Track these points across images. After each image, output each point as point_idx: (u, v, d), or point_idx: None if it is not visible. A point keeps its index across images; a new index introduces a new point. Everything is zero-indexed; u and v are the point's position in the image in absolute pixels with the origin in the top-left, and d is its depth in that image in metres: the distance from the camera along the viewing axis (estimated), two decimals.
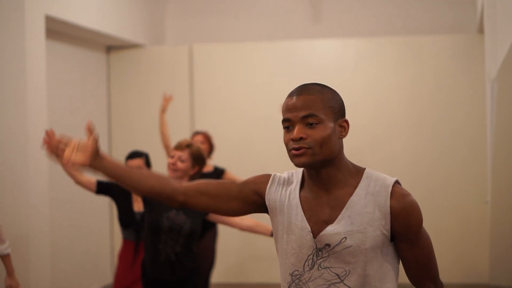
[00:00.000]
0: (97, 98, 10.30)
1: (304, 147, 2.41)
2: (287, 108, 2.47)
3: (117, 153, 10.51)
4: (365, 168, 2.51)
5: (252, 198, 2.60)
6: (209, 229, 7.26)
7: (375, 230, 2.41)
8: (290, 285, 2.52)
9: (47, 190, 7.80)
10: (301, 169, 2.61)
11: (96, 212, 9.91)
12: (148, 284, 5.08)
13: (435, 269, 2.61)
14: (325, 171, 2.46)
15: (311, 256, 2.48)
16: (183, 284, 5.03)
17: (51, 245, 8.12)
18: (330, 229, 2.43)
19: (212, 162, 7.72)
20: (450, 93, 9.74)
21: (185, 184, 2.63)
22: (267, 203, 2.59)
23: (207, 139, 7.42)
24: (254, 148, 10.05)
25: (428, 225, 9.72)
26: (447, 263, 9.59)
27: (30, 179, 7.47)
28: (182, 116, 10.35)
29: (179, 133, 10.36)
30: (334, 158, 2.47)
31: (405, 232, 2.44)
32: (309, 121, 2.41)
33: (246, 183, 2.63)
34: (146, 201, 5.04)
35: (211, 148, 7.46)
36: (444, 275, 9.54)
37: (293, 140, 2.43)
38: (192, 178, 5.06)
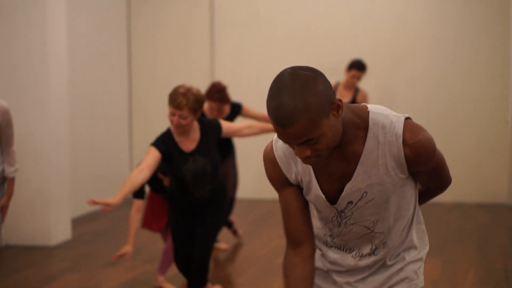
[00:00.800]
0: (116, 15, 10.21)
1: (313, 158, 2.27)
2: (279, 135, 2.22)
3: (137, 72, 10.48)
4: (368, 112, 2.36)
5: (299, 189, 2.51)
6: (228, 152, 7.27)
7: (393, 178, 2.38)
8: (328, 230, 2.58)
9: (67, 101, 7.82)
10: None
11: (115, 125, 9.94)
12: (174, 211, 5.19)
13: (446, 176, 2.58)
14: None
15: (335, 218, 2.49)
16: (210, 205, 5.15)
17: (71, 157, 8.18)
18: (348, 187, 2.40)
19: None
20: (473, 12, 9.57)
21: (300, 243, 2.50)
22: (295, 183, 2.51)
23: (223, 95, 6.98)
24: (276, 67, 9.98)
25: (448, 145, 9.72)
26: (465, 182, 9.59)
27: (49, 93, 7.48)
28: (202, 35, 10.27)
29: (199, 53, 10.30)
30: None
31: (422, 169, 2.40)
32: (308, 143, 2.22)
33: (283, 189, 2.50)
34: (164, 159, 4.99)
35: (227, 101, 7.09)
36: (463, 194, 9.57)
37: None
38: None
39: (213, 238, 5.16)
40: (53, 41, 7.51)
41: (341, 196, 2.42)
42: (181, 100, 4.87)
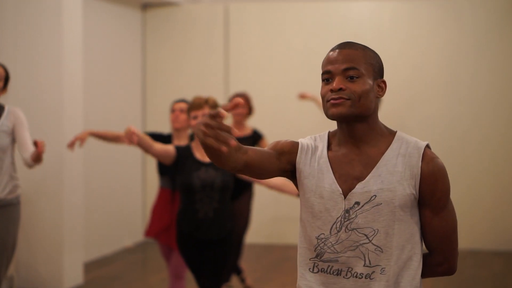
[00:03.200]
0: (132, 55, 10.29)
1: (343, 98, 2.42)
2: (329, 61, 2.48)
3: (151, 111, 10.52)
4: (396, 132, 2.53)
5: (286, 168, 2.57)
6: (245, 191, 7.25)
7: (405, 189, 2.42)
8: (316, 248, 2.52)
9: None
10: (325, 132, 2.60)
11: (129, 169, 9.95)
12: (183, 243, 5.15)
13: (452, 248, 2.54)
14: (359, 126, 2.47)
15: (339, 219, 2.47)
16: (218, 244, 5.08)
17: (84, 201, 8.17)
18: (360, 187, 2.44)
19: (251, 126, 7.64)
20: (489, 56, 9.58)
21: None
22: (297, 170, 2.56)
23: (247, 102, 7.35)
24: (289, 109, 10.00)
25: (463, 190, 9.63)
26: (481, 229, 9.51)
27: (64, 133, 7.51)
28: (217, 76, 10.32)
29: (214, 94, 10.33)
30: (369, 116, 2.48)
31: (430, 197, 2.44)
32: (350, 73, 2.43)
33: (280, 154, 2.56)
34: (176, 163, 5.08)
35: (250, 111, 7.39)
36: (479, 242, 9.49)
37: (332, 90, 2.44)
38: None
39: (220, 278, 5.13)
40: (68, 82, 7.56)
41: (350, 192, 2.45)
42: (201, 101, 5.11)
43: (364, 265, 2.45)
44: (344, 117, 2.44)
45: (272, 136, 9.94)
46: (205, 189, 5.01)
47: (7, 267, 5.29)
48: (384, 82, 2.55)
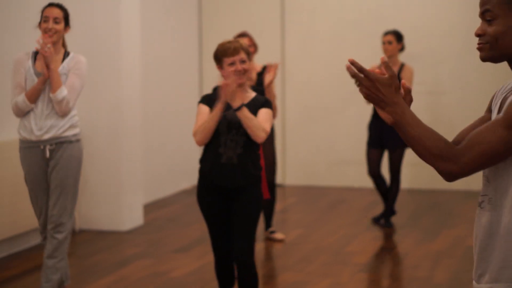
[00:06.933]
0: (188, 6, 10.29)
1: (482, 43, 2.43)
2: (479, 3, 2.48)
3: (207, 70, 10.56)
4: None
5: None
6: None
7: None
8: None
9: (139, 86, 7.93)
10: None
11: (186, 111, 10.04)
12: (205, 193, 4.89)
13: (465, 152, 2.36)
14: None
15: None
16: (243, 194, 4.80)
17: (143, 143, 8.28)
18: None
19: (259, 62, 7.52)
20: None
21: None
22: None
23: (253, 41, 7.15)
24: (344, 53, 9.93)
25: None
26: None
27: (122, 79, 7.59)
28: (273, 22, 10.28)
29: (270, 42, 10.31)
30: None
31: None
32: (486, 16, 2.41)
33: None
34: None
35: (255, 49, 7.28)
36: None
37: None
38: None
39: (252, 232, 4.81)
40: (126, 30, 7.63)
41: None
42: (234, 45, 4.75)
43: (481, 195, 2.46)
44: (486, 60, 2.47)
45: (325, 79, 9.92)
46: (231, 131, 4.72)
47: (72, 208, 5.28)
48: None
